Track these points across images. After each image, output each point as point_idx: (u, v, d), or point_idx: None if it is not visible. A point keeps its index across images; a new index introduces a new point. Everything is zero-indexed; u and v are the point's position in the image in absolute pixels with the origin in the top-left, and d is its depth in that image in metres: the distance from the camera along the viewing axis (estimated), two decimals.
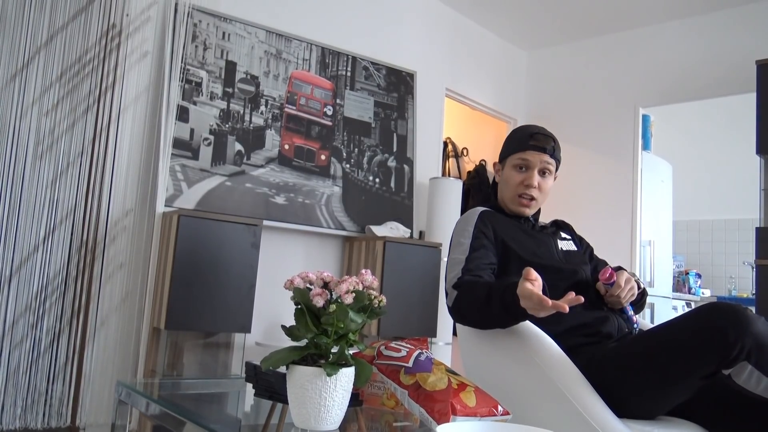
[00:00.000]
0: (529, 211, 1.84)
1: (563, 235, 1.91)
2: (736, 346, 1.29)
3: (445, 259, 3.47)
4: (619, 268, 1.80)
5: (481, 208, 1.83)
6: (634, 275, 1.78)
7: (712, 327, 1.33)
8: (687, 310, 4.66)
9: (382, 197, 3.62)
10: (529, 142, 1.79)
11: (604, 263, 1.95)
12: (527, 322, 1.60)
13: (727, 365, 1.33)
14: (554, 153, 1.81)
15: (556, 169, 1.85)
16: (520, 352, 1.57)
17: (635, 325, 1.75)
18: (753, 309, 3.24)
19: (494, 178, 1.98)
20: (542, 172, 1.80)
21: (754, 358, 1.30)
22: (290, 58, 3.37)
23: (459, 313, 1.63)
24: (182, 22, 2.94)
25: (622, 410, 1.46)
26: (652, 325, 1.75)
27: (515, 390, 1.57)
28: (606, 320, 1.67)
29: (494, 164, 1.93)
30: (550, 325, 1.62)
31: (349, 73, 3.61)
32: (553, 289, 1.70)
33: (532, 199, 1.81)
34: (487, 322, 1.58)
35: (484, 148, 5.26)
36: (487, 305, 1.51)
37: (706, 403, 1.51)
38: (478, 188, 4.82)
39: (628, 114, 4.43)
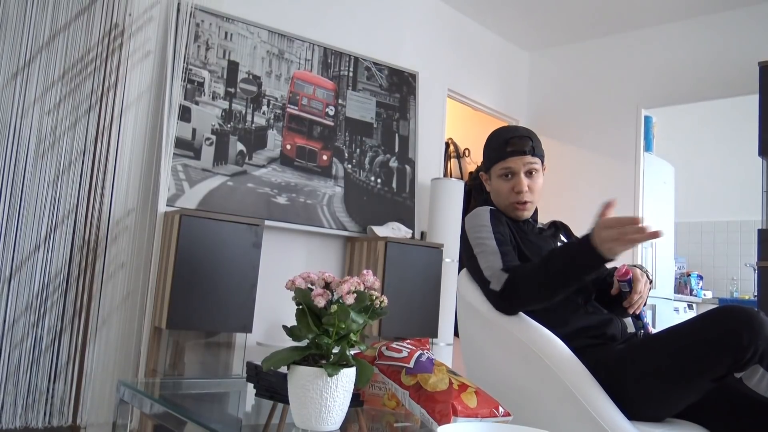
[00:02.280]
0: (527, 214, 1.84)
1: (562, 238, 1.91)
2: (750, 349, 1.29)
3: (447, 260, 3.50)
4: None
5: (489, 207, 1.83)
6: (642, 267, 1.77)
7: (726, 329, 1.33)
8: (688, 311, 4.67)
9: (384, 198, 3.62)
10: (506, 149, 1.78)
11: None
12: (534, 323, 1.60)
13: (740, 368, 1.33)
14: (535, 151, 1.79)
15: (543, 163, 1.84)
16: (528, 352, 1.56)
17: (647, 326, 1.76)
18: None
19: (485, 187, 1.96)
20: (529, 173, 1.79)
21: (767, 361, 1.30)
22: (292, 58, 3.37)
23: (514, 292, 1.58)
24: (185, 21, 2.95)
25: (630, 412, 1.46)
26: (653, 328, 1.75)
27: (520, 391, 1.57)
28: (610, 322, 1.68)
29: (481, 174, 1.91)
30: (555, 327, 1.62)
31: (351, 74, 3.61)
32: None
33: (526, 202, 1.80)
34: (551, 284, 1.53)
35: None
36: (549, 267, 1.52)
37: (714, 406, 1.51)
38: (479, 189, 4.82)
39: (630, 115, 4.43)
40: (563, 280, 1.52)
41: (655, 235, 1.34)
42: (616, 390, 1.47)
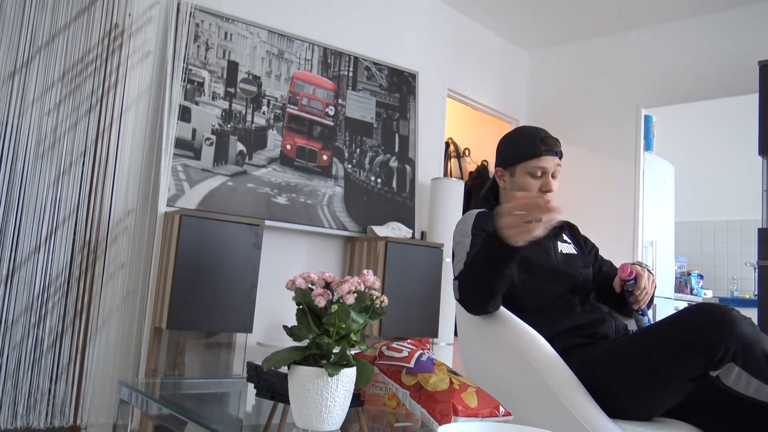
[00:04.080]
0: None
1: (565, 237, 1.90)
2: (721, 347, 1.29)
3: (447, 260, 3.50)
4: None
5: (477, 210, 1.83)
6: (642, 264, 1.78)
7: (697, 328, 1.34)
8: None
9: (384, 197, 3.62)
10: (541, 147, 1.76)
11: (609, 264, 1.95)
12: (521, 323, 1.60)
13: (714, 367, 1.33)
14: (562, 155, 1.80)
15: None
16: (515, 353, 1.57)
17: (649, 323, 1.75)
18: (755, 310, 3.24)
19: (492, 182, 1.94)
20: (553, 175, 1.79)
21: (741, 359, 1.30)
22: (292, 58, 3.37)
23: (464, 297, 1.61)
24: (184, 22, 2.95)
25: (616, 411, 1.46)
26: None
27: (512, 391, 1.57)
28: (602, 322, 1.68)
29: (498, 170, 1.86)
30: (547, 326, 1.63)
31: (351, 74, 3.61)
32: (548, 293, 1.71)
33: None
34: (485, 281, 1.54)
35: (485, 148, 5.26)
36: (477, 266, 1.54)
37: (703, 405, 1.51)
38: (479, 189, 4.82)
39: (630, 114, 4.43)
40: (489, 276, 1.52)
41: (551, 209, 1.32)
42: (599, 389, 1.48)
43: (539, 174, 1.77)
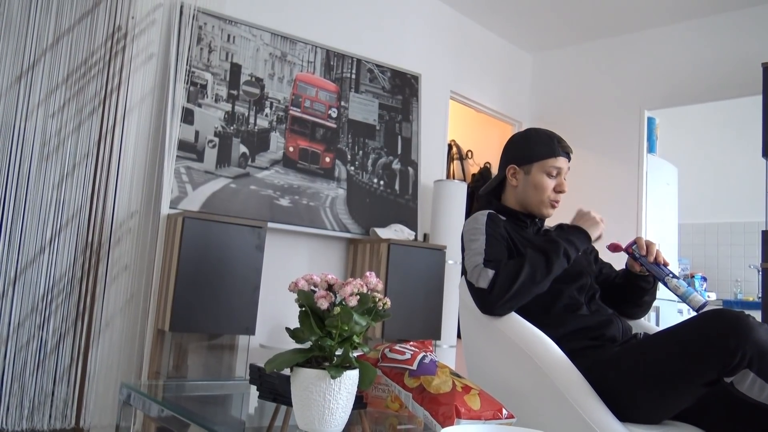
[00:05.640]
0: (552, 214, 1.85)
1: None
2: (737, 354, 1.28)
3: (450, 262, 3.50)
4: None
5: (487, 211, 1.83)
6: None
7: (713, 334, 1.33)
8: (692, 313, 4.64)
9: (387, 199, 3.62)
10: (558, 148, 1.81)
11: (609, 266, 1.95)
12: (528, 324, 1.60)
13: (728, 373, 1.32)
14: (570, 159, 1.86)
15: None
16: (523, 355, 1.56)
17: (692, 290, 1.72)
18: (759, 312, 3.23)
19: (495, 181, 1.94)
20: (564, 177, 1.84)
21: (756, 365, 1.29)
22: (295, 60, 3.37)
23: (500, 287, 1.60)
24: (187, 24, 2.95)
25: (625, 414, 1.46)
26: (657, 329, 1.74)
27: (518, 393, 1.57)
28: (609, 323, 1.67)
29: (511, 167, 1.86)
30: (553, 328, 1.62)
31: (353, 76, 3.61)
32: (556, 293, 1.71)
33: (558, 202, 1.84)
34: (537, 272, 1.61)
35: (488, 150, 5.26)
36: (537, 257, 1.64)
37: (712, 409, 1.50)
38: None
39: (633, 116, 4.42)
40: (547, 268, 1.63)
41: None
42: (609, 392, 1.47)
43: (555, 173, 1.81)
